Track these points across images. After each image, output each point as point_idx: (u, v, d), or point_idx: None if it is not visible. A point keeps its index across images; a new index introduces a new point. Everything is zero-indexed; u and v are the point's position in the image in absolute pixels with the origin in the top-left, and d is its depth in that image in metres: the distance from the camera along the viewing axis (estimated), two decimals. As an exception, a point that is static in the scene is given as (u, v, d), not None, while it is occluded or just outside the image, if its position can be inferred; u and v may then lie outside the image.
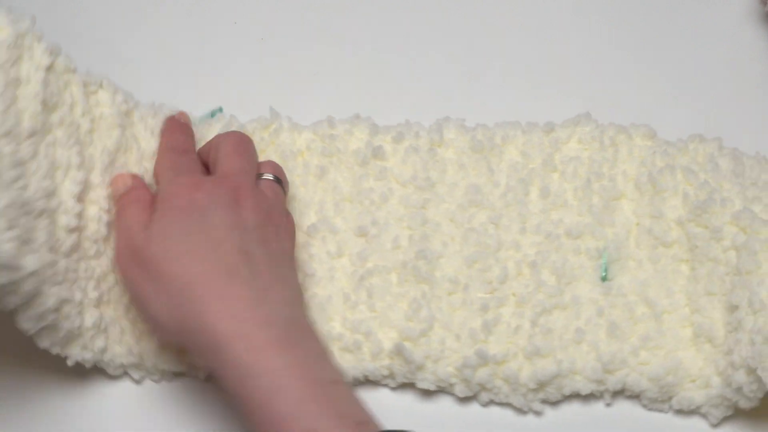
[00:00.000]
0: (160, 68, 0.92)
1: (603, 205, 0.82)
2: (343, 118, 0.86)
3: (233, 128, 0.84)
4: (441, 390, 0.79)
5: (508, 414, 0.79)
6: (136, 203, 0.74)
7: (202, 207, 0.71)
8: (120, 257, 0.73)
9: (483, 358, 0.76)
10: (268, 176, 0.77)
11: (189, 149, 0.79)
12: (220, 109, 0.86)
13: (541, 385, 0.78)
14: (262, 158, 0.82)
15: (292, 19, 0.93)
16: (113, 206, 0.75)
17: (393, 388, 0.80)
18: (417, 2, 0.95)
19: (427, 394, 0.79)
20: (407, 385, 0.79)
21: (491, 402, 0.79)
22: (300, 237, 0.81)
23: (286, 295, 0.71)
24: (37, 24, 0.88)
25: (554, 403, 0.79)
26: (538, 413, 0.79)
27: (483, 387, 0.78)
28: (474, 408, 0.79)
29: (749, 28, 0.93)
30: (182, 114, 0.81)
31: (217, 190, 0.72)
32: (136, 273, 0.71)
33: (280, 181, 0.77)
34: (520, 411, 0.79)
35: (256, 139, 0.82)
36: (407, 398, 0.80)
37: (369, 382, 0.79)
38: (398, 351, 0.77)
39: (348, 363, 0.78)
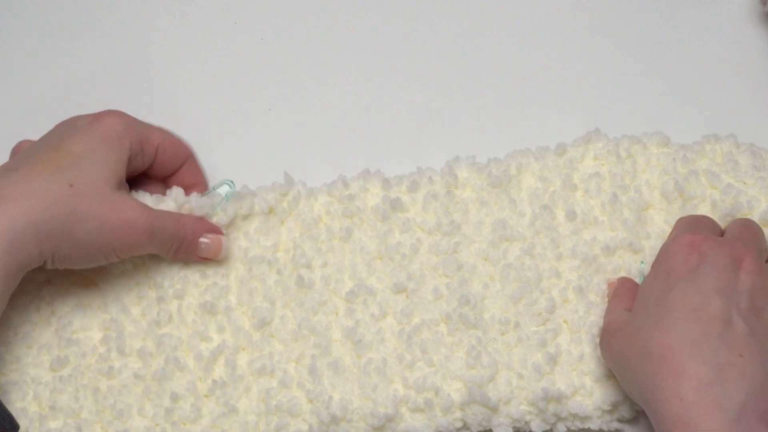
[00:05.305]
0: (160, 68, 0.92)
1: (636, 218, 0.81)
2: (343, 118, 0.89)
3: (246, 199, 0.83)
4: (518, 430, 0.78)
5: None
6: (616, 297, 0.76)
7: (693, 267, 0.70)
8: (602, 335, 0.75)
9: (554, 396, 0.76)
10: None
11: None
12: (230, 189, 0.83)
13: (615, 406, 0.77)
14: (283, 230, 0.83)
15: (294, 23, 0.94)
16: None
17: (470, 439, 0.79)
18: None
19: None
20: (482, 433, 0.79)
21: (569, 431, 0.78)
22: (340, 304, 0.80)
23: (753, 373, 0.65)
24: (37, 23, 0.93)
25: (630, 420, 0.78)
26: None
27: (558, 417, 0.77)
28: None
29: (749, 28, 0.91)
30: None
31: (718, 250, 0.70)
32: (616, 347, 0.72)
33: None
34: (600, 432, 0.78)
35: (277, 211, 0.83)
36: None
37: (443, 437, 0.79)
38: (472, 398, 0.76)
39: (420, 422, 0.77)
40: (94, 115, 0.78)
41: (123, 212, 0.75)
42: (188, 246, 0.80)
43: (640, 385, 0.68)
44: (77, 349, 0.80)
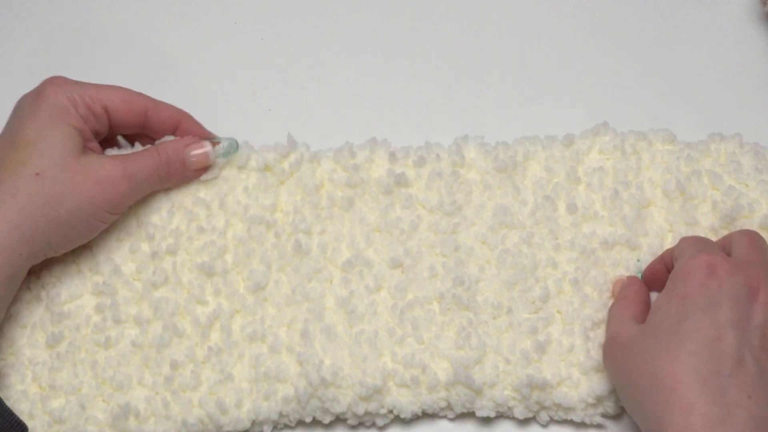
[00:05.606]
0: (160, 68, 0.93)
1: (635, 215, 0.80)
2: (344, 120, 0.89)
3: (252, 160, 0.82)
4: (500, 415, 0.78)
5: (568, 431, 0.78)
6: (624, 300, 0.75)
7: (710, 295, 0.68)
8: (608, 344, 0.74)
9: (538, 384, 0.76)
10: None
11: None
12: (236, 147, 0.83)
13: (600, 400, 0.76)
14: (282, 191, 0.82)
15: (294, 23, 0.94)
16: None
17: (451, 419, 0.78)
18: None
19: (486, 421, 0.78)
20: (465, 415, 0.78)
21: (551, 421, 0.78)
22: (335, 273, 0.80)
23: (761, 416, 0.65)
24: (37, 23, 0.94)
25: (614, 417, 0.78)
26: (600, 426, 0.78)
27: (542, 406, 0.76)
28: (534, 429, 0.78)
29: (749, 28, 0.92)
30: None
31: (734, 277, 0.69)
32: (621, 361, 0.71)
33: None
34: (582, 425, 0.78)
35: (275, 171, 0.82)
36: (467, 428, 0.79)
37: (426, 415, 0.78)
38: (457, 379, 0.75)
39: (405, 398, 0.77)
40: (35, 92, 0.78)
41: (94, 172, 0.75)
42: (177, 167, 0.80)
43: (646, 413, 0.68)
44: (70, 322, 0.79)
